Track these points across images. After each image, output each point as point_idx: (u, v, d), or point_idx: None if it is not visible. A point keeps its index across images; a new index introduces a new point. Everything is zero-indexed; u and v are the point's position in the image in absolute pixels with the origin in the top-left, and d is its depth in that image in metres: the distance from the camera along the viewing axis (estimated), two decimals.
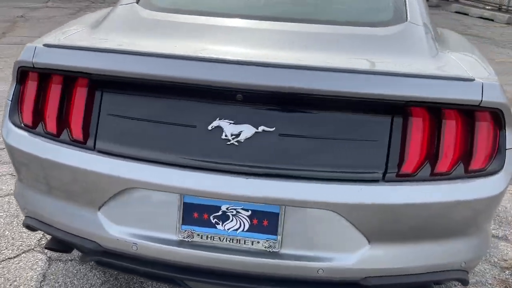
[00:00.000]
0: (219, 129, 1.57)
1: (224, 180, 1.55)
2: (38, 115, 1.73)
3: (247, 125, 1.56)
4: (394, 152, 1.56)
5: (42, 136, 1.71)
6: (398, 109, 1.55)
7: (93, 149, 1.64)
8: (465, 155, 1.60)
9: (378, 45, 1.84)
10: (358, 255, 1.59)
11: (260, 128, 1.56)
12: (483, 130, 1.60)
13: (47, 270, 2.29)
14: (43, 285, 2.20)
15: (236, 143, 1.56)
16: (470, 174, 1.59)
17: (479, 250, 1.73)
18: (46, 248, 1.87)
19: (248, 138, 1.56)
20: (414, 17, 2.04)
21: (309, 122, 1.57)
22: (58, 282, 2.22)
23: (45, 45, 1.70)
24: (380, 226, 1.56)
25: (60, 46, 1.68)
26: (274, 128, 1.56)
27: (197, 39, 1.81)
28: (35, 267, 2.31)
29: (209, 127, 1.57)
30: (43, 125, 1.72)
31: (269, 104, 1.57)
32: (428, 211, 1.56)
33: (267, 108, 1.57)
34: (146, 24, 1.97)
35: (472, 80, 1.54)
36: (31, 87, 1.73)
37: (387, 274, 1.62)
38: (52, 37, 1.87)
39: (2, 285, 2.17)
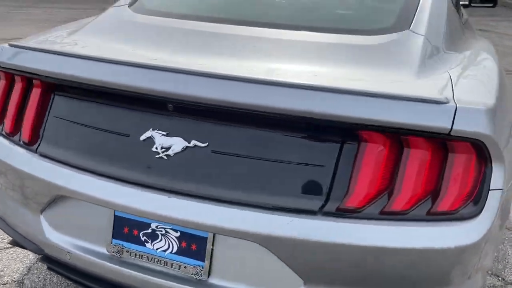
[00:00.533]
0: (151, 140, 1.46)
1: (149, 197, 1.43)
2: (1, 114, 1.76)
3: (179, 138, 1.43)
4: (339, 182, 1.33)
5: (1, 135, 1.74)
6: (346, 132, 1.32)
7: (35, 151, 1.62)
8: (431, 193, 1.31)
9: (355, 56, 1.59)
10: None
11: (192, 143, 1.42)
12: (458, 165, 1.30)
13: (33, 264, 2.35)
14: (24, 278, 2.25)
15: (165, 157, 1.43)
16: (434, 217, 1.30)
17: None
18: (9, 243, 1.90)
19: (178, 152, 1.42)
20: (418, 25, 1.75)
21: (246, 140, 1.39)
22: (39, 278, 2.26)
23: (10, 45, 1.71)
24: (315, 266, 1.34)
25: (19, 46, 1.68)
26: (207, 144, 1.41)
27: (157, 43, 1.71)
28: (24, 259, 2.38)
29: (141, 138, 1.47)
30: (3, 124, 1.74)
31: (204, 117, 1.42)
32: (374, 256, 1.30)
33: (201, 122, 1.43)
34: (122, 27, 1.91)
35: (442, 102, 1.26)
36: None
37: None
38: (32, 37, 1.90)
39: None
